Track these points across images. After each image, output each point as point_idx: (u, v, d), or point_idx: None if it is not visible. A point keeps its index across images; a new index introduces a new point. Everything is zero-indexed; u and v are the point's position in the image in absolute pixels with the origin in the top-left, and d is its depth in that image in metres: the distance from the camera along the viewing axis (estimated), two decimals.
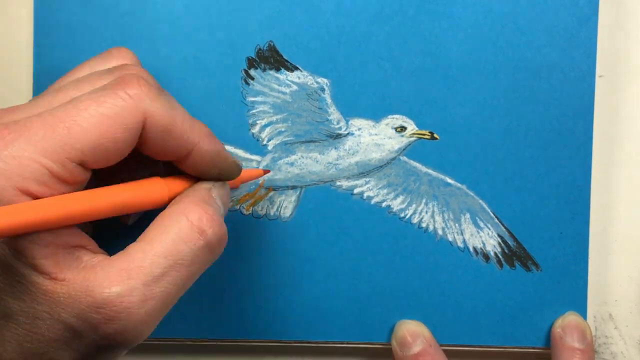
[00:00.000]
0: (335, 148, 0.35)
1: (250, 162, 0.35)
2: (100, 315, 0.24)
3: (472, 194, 0.35)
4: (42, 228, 0.23)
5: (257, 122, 0.35)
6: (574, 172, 0.35)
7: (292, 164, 0.35)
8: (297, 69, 0.35)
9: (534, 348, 0.35)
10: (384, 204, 0.35)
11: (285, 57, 0.35)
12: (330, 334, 0.35)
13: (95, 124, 0.24)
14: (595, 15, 0.34)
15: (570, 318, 0.34)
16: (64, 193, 0.24)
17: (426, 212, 0.35)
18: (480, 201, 0.35)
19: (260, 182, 0.35)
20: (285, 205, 0.35)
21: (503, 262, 0.35)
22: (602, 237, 0.36)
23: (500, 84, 0.35)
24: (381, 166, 0.35)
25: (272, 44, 0.35)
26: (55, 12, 0.34)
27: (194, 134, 0.27)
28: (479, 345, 0.35)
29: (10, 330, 0.24)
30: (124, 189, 0.26)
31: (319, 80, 0.35)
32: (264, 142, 0.35)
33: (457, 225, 0.35)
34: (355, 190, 0.35)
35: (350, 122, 0.35)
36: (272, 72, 0.35)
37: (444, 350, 0.34)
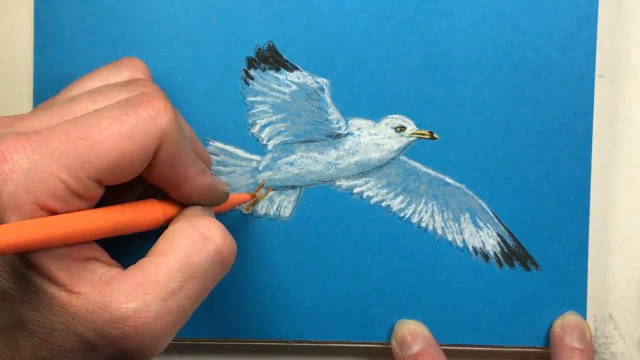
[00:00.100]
0: (335, 148, 0.35)
1: (250, 161, 0.35)
2: (118, 331, 0.24)
3: (471, 193, 0.35)
4: (43, 246, 0.23)
5: (257, 122, 0.35)
6: (574, 172, 0.35)
7: (291, 164, 0.35)
8: (296, 69, 0.35)
9: (533, 348, 0.35)
10: (383, 204, 0.35)
11: (284, 57, 0.35)
12: (330, 334, 0.35)
13: (116, 142, 0.24)
14: (595, 15, 0.34)
15: (569, 318, 0.34)
16: (79, 209, 0.24)
17: (426, 212, 0.35)
18: (480, 201, 0.35)
19: (260, 181, 0.35)
20: (285, 205, 0.35)
21: (502, 262, 0.35)
22: (602, 237, 0.36)
23: (500, 83, 0.35)
24: (381, 166, 0.35)
25: (271, 44, 0.35)
26: (55, 12, 0.34)
27: (193, 168, 0.27)
28: (479, 345, 0.35)
29: (24, 339, 0.24)
30: (124, 210, 0.26)
31: (319, 80, 0.35)
32: (264, 142, 0.35)
33: (456, 224, 0.35)
34: (355, 190, 0.35)
35: (350, 122, 0.35)
36: (271, 72, 0.35)
37: (444, 350, 0.34)
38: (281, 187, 0.35)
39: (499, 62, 0.35)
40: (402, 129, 0.35)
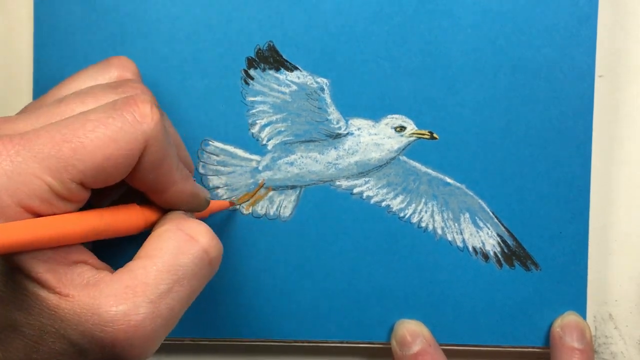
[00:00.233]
0: (335, 148, 0.35)
1: (250, 161, 0.35)
2: (107, 334, 0.23)
3: (471, 193, 0.35)
4: (27, 248, 0.23)
5: (257, 121, 0.35)
6: (574, 171, 0.35)
7: (291, 164, 0.35)
8: (296, 68, 0.35)
9: (533, 348, 0.35)
10: (383, 204, 0.35)
11: (284, 57, 0.35)
12: (330, 334, 0.35)
13: (101, 146, 0.24)
14: (595, 15, 0.34)
15: (569, 318, 0.34)
16: (65, 211, 0.24)
17: (425, 212, 0.35)
18: (480, 201, 0.35)
19: (260, 181, 0.35)
20: (285, 204, 0.35)
21: (502, 262, 0.35)
22: (602, 237, 0.36)
23: (500, 83, 0.35)
24: (381, 166, 0.35)
25: (271, 44, 0.35)
26: (55, 12, 0.34)
27: (177, 173, 0.27)
28: (479, 345, 0.35)
29: (17, 341, 0.24)
30: (104, 214, 0.26)
31: (319, 80, 0.35)
32: (264, 142, 0.35)
33: (456, 224, 0.35)
34: (355, 190, 0.35)
35: (350, 121, 0.35)
36: (271, 72, 0.35)
37: (444, 350, 0.34)
38: (281, 187, 0.35)
39: (499, 62, 0.35)
40: (402, 128, 0.35)
